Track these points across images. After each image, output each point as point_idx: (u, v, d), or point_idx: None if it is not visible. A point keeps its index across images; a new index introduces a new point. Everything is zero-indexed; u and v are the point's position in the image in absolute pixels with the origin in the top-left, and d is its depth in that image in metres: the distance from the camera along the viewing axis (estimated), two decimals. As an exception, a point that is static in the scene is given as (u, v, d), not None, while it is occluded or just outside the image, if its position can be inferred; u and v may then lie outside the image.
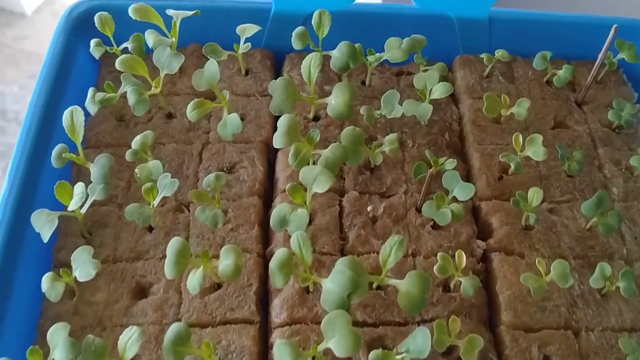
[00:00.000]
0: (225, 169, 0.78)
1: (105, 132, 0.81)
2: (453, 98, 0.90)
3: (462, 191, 0.70)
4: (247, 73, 0.88)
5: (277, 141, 0.71)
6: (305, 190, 0.68)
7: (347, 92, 0.75)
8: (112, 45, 0.81)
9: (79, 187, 0.67)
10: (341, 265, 0.61)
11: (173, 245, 0.61)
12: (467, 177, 0.81)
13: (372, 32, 0.90)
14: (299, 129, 0.72)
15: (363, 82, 0.89)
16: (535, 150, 0.75)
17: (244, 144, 0.81)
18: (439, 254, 0.66)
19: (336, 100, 0.75)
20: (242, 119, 0.83)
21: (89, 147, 0.80)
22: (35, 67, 1.87)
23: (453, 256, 0.71)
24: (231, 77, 0.87)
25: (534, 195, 0.72)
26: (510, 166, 0.78)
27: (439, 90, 0.79)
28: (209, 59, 0.79)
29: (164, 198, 0.74)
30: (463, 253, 0.67)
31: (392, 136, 0.76)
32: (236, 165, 0.79)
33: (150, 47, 0.78)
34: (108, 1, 0.87)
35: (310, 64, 0.76)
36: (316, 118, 0.84)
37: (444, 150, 0.82)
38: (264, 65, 0.89)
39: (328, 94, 0.85)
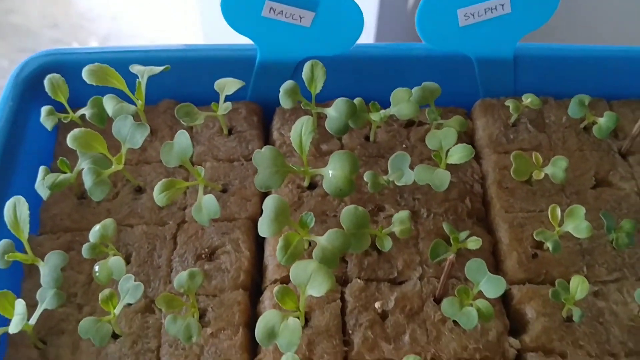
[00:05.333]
0: (204, 256, 0.69)
1: (64, 213, 0.72)
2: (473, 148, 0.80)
3: (491, 286, 0.60)
4: (230, 132, 0.79)
5: (263, 229, 0.62)
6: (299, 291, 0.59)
7: (347, 163, 0.65)
8: (68, 112, 0.73)
9: (20, 306, 0.58)
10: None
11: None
12: (494, 253, 0.72)
13: (376, 78, 0.81)
14: (288, 213, 0.62)
15: (367, 137, 0.79)
16: (577, 225, 0.65)
17: (227, 222, 0.71)
18: (463, 370, 0.57)
19: (334, 172, 0.66)
20: (224, 191, 0.74)
21: (44, 233, 0.71)
22: (24, 40, 1.87)
23: (481, 360, 0.62)
24: (211, 139, 0.78)
25: (578, 285, 0.62)
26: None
27: (457, 154, 0.70)
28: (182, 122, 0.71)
29: (131, 298, 0.65)
30: (494, 370, 0.57)
31: (404, 214, 0.67)
32: (217, 250, 0.70)
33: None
34: (63, 55, 0.79)
35: (301, 131, 0.66)
36: (312, 185, 0.75)
37: (466, 220, 0.73)
38: (249, 123, 0.80)
39: (326, 154, 0.76)
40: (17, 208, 0.62)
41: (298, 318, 0.58)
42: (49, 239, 0.70)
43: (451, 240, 0.68)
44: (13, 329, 0.57)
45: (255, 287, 0.70)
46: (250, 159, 0.76)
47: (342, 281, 0.68)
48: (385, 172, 0.72)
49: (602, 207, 0.73)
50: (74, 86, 0.74)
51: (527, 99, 0.77)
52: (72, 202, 0.73)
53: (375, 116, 0.73)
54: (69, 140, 0.66)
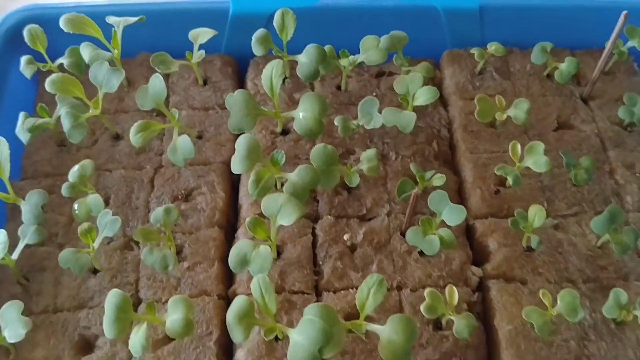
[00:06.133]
0: (180, 197, 0.72)
1: (44, 159, 0.75)
2: (442, 100, 0.83)
3: (452, 214, 0.64)
4: (205, 83, 0.82)
5: (236, 166, 0.65)
6: (270, 222, 0.62)
7: (316, 104, 0.68)
8: (46, 62, 0.75)
9: (1, 235, 0.61)
10: (311, 313, 0.54)
11: (111, 300, 0.55)
12: (460, 191, 0.75)
13: (346, 29, 0.84)
14: (260, 151, 0.65)
15: (338, 87, 0.82)
16: (536, 160, 0.69)
17: (203, 166, 0.74)
18: (426, 291, 0.60)
19: (304, 114, 0.68)
20: (199, 137, 0.77)
21: (26, 178, 0.74)
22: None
23: (444, 287, 0.65)
24: (187, 89, 0.81)
25: (536, 214, 0.65)
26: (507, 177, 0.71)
27: (423, 96, 0.73)
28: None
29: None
30: (454, 289, 0.61)
31: (371, 152, 0.70)
32: (193, 192, 0.73)
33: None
34: (43, 10, 0.81)
35: (271, 74, 0.69)
36: (285, 131, 0.78)
37: (432, 162, 0.76)
38: (224, 74, 0.82)
39: (298, 102, 0.79)
40: (-2, 147, 0.64)
41: (269, 247, 0.61)
42: (31, 183, 0.73)
43: (417, 179, 0.71)
44: (-4, 257, 0.60)
45: (231, 228, 0.73)
46: (225, 108, 0.79)
47: (314, 218, 0.71)
48: (356, 118, 0.75)
49: (563, 148, 0.76)
50: (54, 40, 0.77)
51: (492, 47, 0.80)
52: (52, 149, 0.76)
53: (344, 62, 0.76)
54: (48, 85, 0.68)
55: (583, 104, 0.82)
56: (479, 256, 0.70)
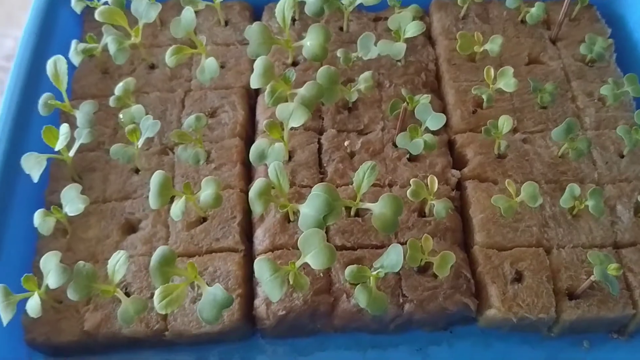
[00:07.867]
0: (207, 114, 0.84)
1: (91, 84, 0.88)
2: (430, 40, 0.96)
3: (434, 121, 0.76)
4: (226, 24, 0.94)
5: (254, 82, 0.77)
6: (283, 126, 0.74)
7: (321, 33, 0.81)
8: (93, 0, 0.88)
9: (64, 127, 0.73)
10: (317, 190, 0.67)
11: (156, 178, 0.68)
12: (444, 113, 0.87)
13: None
14: (274, 70, 0.77)
15: (341, 28, 0.95)
16: (506, 82, 0.81)
17: (225, 89, 0.87)
18: (411, 180, 0.72)
19: (311, 42, 0.81)
20: (222, 67, 0.89)
21: (75, 99, 0.87)
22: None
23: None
24: (211, 28, 0.93)
25: (504, 123, 0.78)
26: (483, 100, 0.83)
27: (412, 29, 0.85)
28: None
29: (149, 142, 0.81)
30: (435, 178, 0.73)
31: (367, 74, 0.82)
32: (218, 110, 0.85)
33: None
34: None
35: (283, 7, 0.82)
36: (295, 63, 0.90)
37: (421, 89, 0.88)
38: (243, 16, 0.95)
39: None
40: (57, 63, 0.77)
41: (283, 145, 0.74)
42: (80, 103, 0.85)
43: (407, 100, 0.83)
44: (59, 146, 0.73)
45: (250, 142, 0.85)
46: (244, 44, 0.91)
47: (319, 131, 0.83)
48: (355, 52, 0.87)
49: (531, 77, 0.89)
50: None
51: (472, -7, 0.93)
52: (97, 75, 0.89)
53: (345, 2, 0.89)
54: (97, 14, 0.81)
55: (551, 44, 0.94)
56: (459, 164, 0.82)
